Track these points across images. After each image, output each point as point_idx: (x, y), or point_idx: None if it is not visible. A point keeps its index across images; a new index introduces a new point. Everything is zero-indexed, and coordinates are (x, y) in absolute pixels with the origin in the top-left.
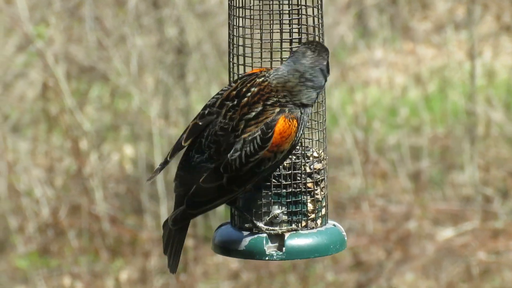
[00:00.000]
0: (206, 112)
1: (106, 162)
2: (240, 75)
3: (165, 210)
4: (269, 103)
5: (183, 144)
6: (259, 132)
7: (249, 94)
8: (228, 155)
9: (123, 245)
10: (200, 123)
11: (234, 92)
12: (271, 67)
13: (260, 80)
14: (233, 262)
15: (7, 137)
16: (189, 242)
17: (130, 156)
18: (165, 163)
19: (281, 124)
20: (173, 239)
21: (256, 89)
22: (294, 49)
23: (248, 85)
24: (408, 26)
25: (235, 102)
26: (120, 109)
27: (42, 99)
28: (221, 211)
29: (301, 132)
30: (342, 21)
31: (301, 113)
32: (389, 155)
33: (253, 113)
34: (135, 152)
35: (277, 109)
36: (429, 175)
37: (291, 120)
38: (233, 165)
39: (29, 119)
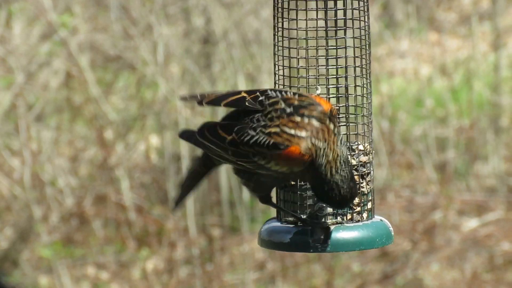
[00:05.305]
0: (263, 99)
1: (132, 152)
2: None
3: (191, 200)
4: (313, 138)
5: (222, 105)
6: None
7: (306, 120)
8: (248, 129)
9: (149, 235)
10: (247, 104)
11: (296, 103)
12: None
13: (332, 128)
14: (259, 252)
15: (31, 126)
16: (215, 232)
17: (156, 146)
18: (200, 102)
19: (296, 149)
20: (192, 175)
21: (318, 124)
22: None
23: (314, 112)
24: (433, 17)
25: (287, 111)
26: (146, 99)
27: (66, 88)
28: (247, 201)
29: (306, 166)
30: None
31: (318, 164)
32: (415, 146)
33: (293, 131)
34: (161, 142)
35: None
36: (454, 166)
37: (307, 152)
38: (242, 136)
39: (53, 108)
